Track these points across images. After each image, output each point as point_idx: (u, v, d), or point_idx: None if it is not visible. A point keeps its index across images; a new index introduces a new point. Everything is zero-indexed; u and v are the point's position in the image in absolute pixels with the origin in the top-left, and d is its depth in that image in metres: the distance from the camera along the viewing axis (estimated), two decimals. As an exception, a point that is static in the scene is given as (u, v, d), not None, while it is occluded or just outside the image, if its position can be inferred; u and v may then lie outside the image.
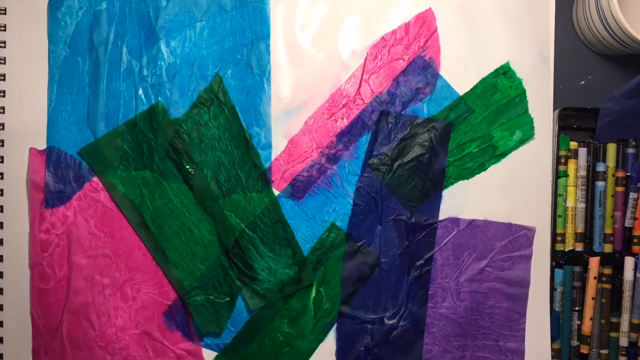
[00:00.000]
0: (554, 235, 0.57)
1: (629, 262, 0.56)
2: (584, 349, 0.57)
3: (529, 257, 0.57)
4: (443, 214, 0.57)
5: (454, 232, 0.57)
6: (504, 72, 0.57)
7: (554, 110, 0.58)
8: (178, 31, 0.57)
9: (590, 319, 0.56)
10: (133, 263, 0.57)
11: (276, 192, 0.57)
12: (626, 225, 0.57)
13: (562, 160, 0.57)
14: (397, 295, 0.57)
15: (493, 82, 0.57)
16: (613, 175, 0.57)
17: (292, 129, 0.57)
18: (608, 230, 0.57)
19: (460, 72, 0.57)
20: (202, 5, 0.57)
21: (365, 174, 0.57)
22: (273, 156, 0.57)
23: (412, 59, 0.57)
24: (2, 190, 0.57)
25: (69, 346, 0.56)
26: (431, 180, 0.57)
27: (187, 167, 0.56)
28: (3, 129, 0.57)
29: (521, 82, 0.57)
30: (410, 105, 0.57)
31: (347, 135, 0.57)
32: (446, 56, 0.57)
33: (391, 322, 0.57)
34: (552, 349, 0.57)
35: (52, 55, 0.57)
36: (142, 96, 0.56)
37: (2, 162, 0.57)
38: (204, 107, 0.56)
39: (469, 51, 0.57)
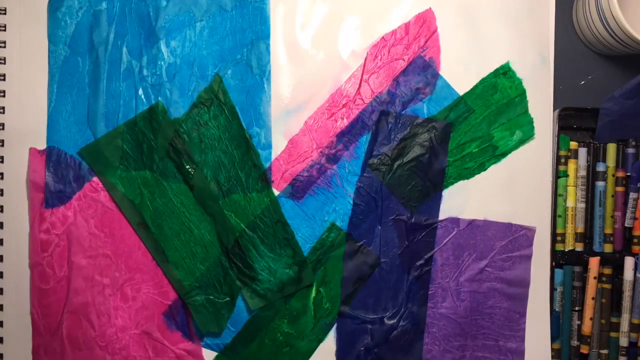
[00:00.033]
0: (554, 235, 0.57)
1: (629, 262, 0.56)
2: (584, 349, 0.57)
3: (529, 257, 0.57)
4: (443, 214, 0.57)
5: (454, 232, 0.57)
6: (504, 72, 0.57)
7: (554, 110, 0.58)
8: (178, 31, 0.57)
9: (590, 319, 0.56)
10: (133, 263, 0.57)
11: (276, 192, 0.57)
12: (626, 225, 0.57)
13: (562, 160, 0.57)
14: (397, 295, 0.57)
15: (493, 82, 0.57)
16: (613, 175, 0.57)
17: (292, 129, 0.57)
18: (608, 230, 0.57)
19: (460, 72, 0.57)
20: (202, 5, 0.57)
21: (365, 174, 0.57)
22: (273, 156, 0.57)
23: (412, 59, 0.57)
24: (2, 190, 0.57)
25: (69, 346, 0.56)
26: (431, 180, 0.57)
27: (187, 167, 0.56)
28: (3, 129, 0.57)
29: (521, 82, 0.57)
30: (410, 105, 0.57)
31: (347, 135, 0.57)
32: (446, 56, 0.57)
33: (391, 322, 0.57)
34: (552, 349, 0.57)
35: (52, 55, 0.57)
36: (142, 96, 0.56)
37: (2, 162, 0.57)
38: (204, 107, 0.56)
39: (469, 51, 0.57)
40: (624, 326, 0.56)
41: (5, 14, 0.57)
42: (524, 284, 0.57)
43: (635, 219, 0.56)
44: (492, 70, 0.57)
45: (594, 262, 0.56)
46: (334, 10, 0.57)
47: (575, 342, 0.57)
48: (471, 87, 0.57)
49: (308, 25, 0.57)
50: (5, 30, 0.57)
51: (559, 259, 0.57)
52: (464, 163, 0.57)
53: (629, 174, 0.57)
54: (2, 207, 0.57)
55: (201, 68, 0.57)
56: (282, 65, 0.57)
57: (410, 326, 0.57)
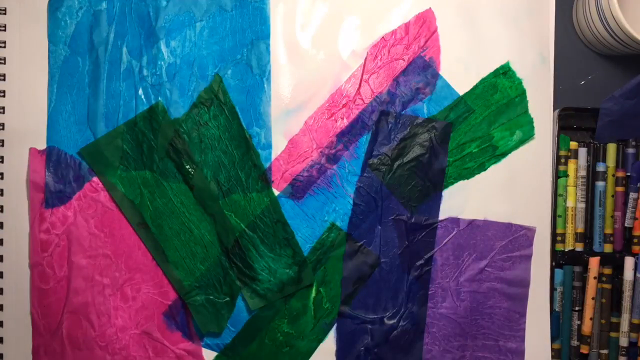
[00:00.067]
0: (554, 235, 0.57)
1: (629, 262, 0.56)
2: (584, 349, 0.57)
3: (529, 257, 0.57)
4: (443, 214, 0.57)
5: (454, 232, 0.57)
6: (504, 72, 0.57)
7: (554, 110, 0.58)
8: (178, 31, 0.57)
9: (590, 319, 0.56)
10: (133, 263, 0.57)
11: (276, 192, 0.57)
12: (626, 225, 0.57)
13: (562, 160, 0.57)
14: (397, 295, 0.57)
15: (493, 82, 0.57)
16: (613, 175, 0.57)
17: (292, 129, 0.57)
18: (608, 230, 0.57)
19: (460, 72, 0.57)
20: (202, 5, 0.57)
21: (365, 174, 0.57)
22: (273, 156, 0.57)
23: (412, 59, 0.57)
24: (2, 190, 0.57)
25: (69, 346, 0.56)
26: (431, 180, 0.57)
27: (187, 167, 0.56)
28: (3, 129, 0.57)
29: (521, 82, 0.57)
30: (410, 105, 0.57)
31: (347, 135, 0.57)
32: (446, 56, 0.57)
33: (391, 322, 0.57)
34: (552, 349, 0.57)
35: (52, 55, 0.57)
36: (142, 96, 0.56)
37: (2, 162, 0.57)
38: (204, 107, 0.56)
39: (469, 51, 0.57)
40: (624, 326, 0.56)
41: (5, 14, 0.57)
42: (524, 284, 0.57)
43: (635, 219, 0.56)
44: (492, 70, 0.57)
45: (594, 262, 0.56)
46: (334, 10, 0.57)
47: (575, 342, 0.57)
48: (471, 87, 0.57)
49: (308, 25, 0.57)
50: (5, 30, 0.57)
51: (559, 259, 0.57)
52: (464, 163, 0.57)
53: (629, 174, 0.57)
54: (2, 207, 0.57)
55: (201, 68, 0.57)
56: (282, 65, 0.57)
57: (410, 326, 0.57)
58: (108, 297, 0.56)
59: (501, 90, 0.57)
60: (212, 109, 0.57)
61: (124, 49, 0.57)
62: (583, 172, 0.57)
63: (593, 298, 0.56)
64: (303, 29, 0.57)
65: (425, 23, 0.57)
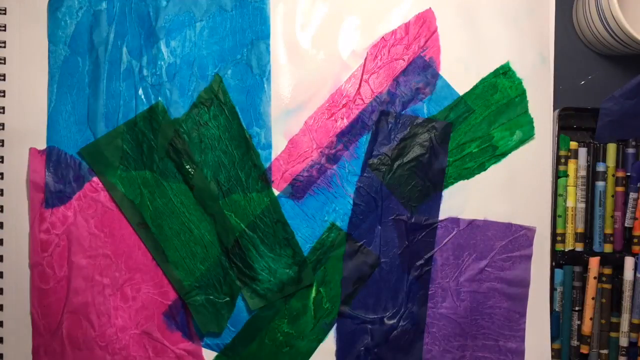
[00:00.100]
0: (554, 235, 0.57)
1: (629, 262, 0.56)
2: (584, 349, 0.57)
3: (529, 257, 0.57)
4: (443, 214, 0.57)
5: (454, 232, 0.57)
6: (504, 72, 0.57)
7: (554, 110, 0.58)
8: (178, 31, 0.57)
9: (590, 319, 0.56)
10: (133, 263, 0.57)
11: (276, 192, 0.57)
12: (626, 225, 0.57)
13: (562, 160, 0.57)
14: (397, 295, 0.57)
15: (493, 82, 0.57)
16: (613, 175, 0.57)
17: (292, 129, 0.57)
18: (608, 230, 0.57)
19: (460, 72, 0.57)
20: (202, 5, 0.57)
21: (365, 174, 0.57)
22: (273, 156, 0.57)
23: (412, 59, 0.57)
24: (2, 190, 0.57)
25: (69, 346, 0.56)
26: (431, 180, 0.57)
27: (187, 167, 0.56)
28: (3, 129, 0.57)
29: (521, 82, 0.57)
30: (410, 105, 0.57)
31: (347, 135, 0.57)
32: (446, 56, 0.57)
33: (391, 322, 0.57)
34: (552, 349, 0.57)
35: (52, 55, 0.57)
36: (142, 96, 0.56)
37: (2, 162, 0.57)
38: (204, 107, 0.56)
39: (469, 51, 0.57)
40: (624, 326, 0.56)
41: (5, 14, 0.57)
42: (524, 284, 0.57)
43: (635, 219, 0.56)
44: (492, 70, 0.57)
45: (594, 262, 0.56)
46: (334, 10, 0.57)
47: (575, 342, 0.57)
48: (471, 87, 0.57)
49: (308, 25, 0.57)
50: (5, 30, 0.57)
51: (559, 259, 0.57)
52: (464, 163, 0.57)
53: (629, 174, 0.57)
54: (2, 207, 0.57)
55: (201, 68, 0.57)
56: (282, 65, 0.57)
57: (410, 326, 0.57)
58: (108, 297, 0.56)
59: (501, 90, 0.57)
60: (212, 109, 0.57)
61: (124, 49, 0.57)
62: (583, 172, 0.57)
63: (593, 298, 0.56)
64: (303, 29, 0.57)
65: (425, 23, 0.57)
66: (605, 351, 0.57)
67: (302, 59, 0.57)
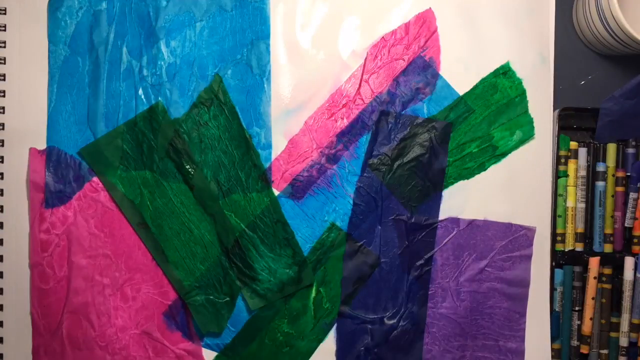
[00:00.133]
0: (554, 235, 0.57)
1: (629, 262, 0.56)
2: (584, 349, 0.57)
3: (529, 257, 0.57)
4: (443, 214, 0.57)
5: (454, 232, 0.57)
6: (504, 72, 0.57)
7: (554, 110, 0.58)
8: (178, 31, 0.57)
9: (590, 319, 0.56)
10: (133, 263, 0.57)
11: (276, 192, 0.57)
12: (626, 225, 0.57)
13: (562, 160, 0.57)
14: (397, 295, 0.57)
15: (493, 82, 0.57)
16: (613, 175, 0.57)
17: (292, 129, 0.57)
18: (608, 230, 0.57)
19: (460, 72, 0.57)
20: (202, 5, 0.57)
21: (365, 174, 0.57)
22: (273, 156, 0.57)
23: (412, 59, 0.57)
24: (2, 190, 0.57)
25: (69, 346, 0.56)
26: (431, 180, 0.57)
27: (187, 167, 0.56)
28: (3, 129, 0.57)
29: (521, 82, 0.57)
30: (410, 105, 0.57)
31: (347, 135, 0.57)
32: (446, 56, 0.57)
33: (391, 322, 0.57)
34: (552, 349, 0.57)
35: (52, 55, 0.57)
36: (142, 96, 0.56)
37: (2, 162, 0.57)
38: (204, 107, 0.56)
39: (469, 51, 0.57)
40: (624, 326, 0.56)
41: (5, 14, 0.57)
42: (524, 284, 0.57)
43: (635, 219, 0.56)
44: (492, 70, 0.57)
45: (594, 262, 0.56)
46: (334, 10, 0.57)
47: (575, 342, 0.57)
48: (471, 87, 0.57)
49: (308, 25, 0.57)
50: (5, 30, 0.57)
51: (559, 259, 0.57)
52: (464, 163, 0.57)
53: (629, 174, 0.57)
54: (2, 207, 0.57)
55: (201, 68, 0.57)
56: (282, 65, 0.57)
57: (410, 326, 0.57)
58: (108, 297, 0.56)
59: (501, 90, 0.57)
60: (212, 109, 0.57)
61: (124, 49, 0.57)
62: (583, 172, 0.57)
63: (593, 298, 0.56)
64: (303, 29, 0.57)
65: (425, 23, 0.57)
66: (605, 351, 0.57)
67: (302, 59, 0.57)
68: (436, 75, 0.57)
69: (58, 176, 0.56)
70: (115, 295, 0.56)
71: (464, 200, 0.57)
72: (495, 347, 0.57)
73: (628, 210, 0.57)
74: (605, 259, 0.57)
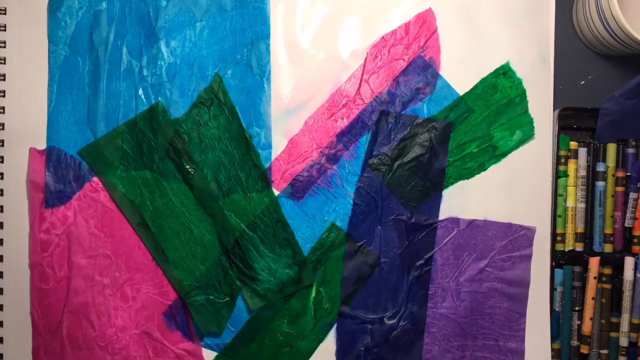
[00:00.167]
0: (554, 235, 0.57)
1: (629, 262, 0.56)
2: (584, 349, 0.57)
3: (529, 257, 0.57)
4: (443, 214, 0.57)
5: (454, 232, 0.57)
6: (504, 72, 0.57)
7: (554, 110, 0.58)
8: (178, 31, 0.57)
9: (590, 319, 0.56)
10: (133, 263, 0.57)
11: (276, 192, 0.57)
12: (626, 225, 0.57)
13: (562, 160, 0.57)
14: (397, 295, 0.57)
15: (493, 82, 0.57)
16: (613, 175, 0.57)
17: (292, 129, 0.57)
18: (608, 230, 0.57)
19: (460, 72, 0.57)
20: (202, 5, 0.57)
21: (365, 174, 0.57)
22: (273, 156, 0.57)
23: (412, 59, 0.57)
24: (2, 190, 0.57)
25: (69, 346, 0.56)
26: (431, 180, 0.57)
27: (187, 167, 0.56)
28: (3, 129, 0.57)
29: (521, 82, 0.57)
30: (410, 105, 0.57)
31: (347, 135, 0.57)
32: (446, 56, 0.57)
33: (391, 322, 0.57)
34: (552, 349, 0.57)
35: (52, 55, 0.57)
36: (142, 96, 0.56)
37: (2, 162, 0.57)
38: (204, 107, 0.56)
39: (469, 51, 0.57)
40: (624, 326, 0.56)
41: (5, 14, 0.57)
42: (524, 284, 0.57)
43: (635, 219, 0.56)
44: (492, 70, 0.57)
45: (594, 262, 0.56)
46: (334, 10, 0.57)
47: (575, 342, 0.57)
48: (471, 87, 0.57)
49: (308, 25, 0.57)
50: (5, 30, 0.57)
51: (559, 259, 0.57)
52: (464, 163, 0.57)
53: (629, 174, 0.57)
54: (2, 207, 0.57)
55: (201, 68, 0.57)
56: (282, 65, 0.57)
57: (410, 326, 0.57)
58: (108, 297, 0.56)
59: (501, 90, 0.57)
60: (212, 109, 0.57)
61: (124, 49, 0.57)
62: (583, 172, 0.57)
63: (593, 298, 0.56)
64: (303, 29, 0.57)
65: (425, 23, 0.57)
66: (605, 351, 0.57)
67: (302, 59, 0.57)
68: (436, 75, 0.57)
69: (58, 176, 0.56)
70: (115, 295, 0.56)
71: (464, 200, 0.57)
72: (495, 347, 0.57)
73: (628, 210, 0.57)
74: (605, 259, 0.57)
